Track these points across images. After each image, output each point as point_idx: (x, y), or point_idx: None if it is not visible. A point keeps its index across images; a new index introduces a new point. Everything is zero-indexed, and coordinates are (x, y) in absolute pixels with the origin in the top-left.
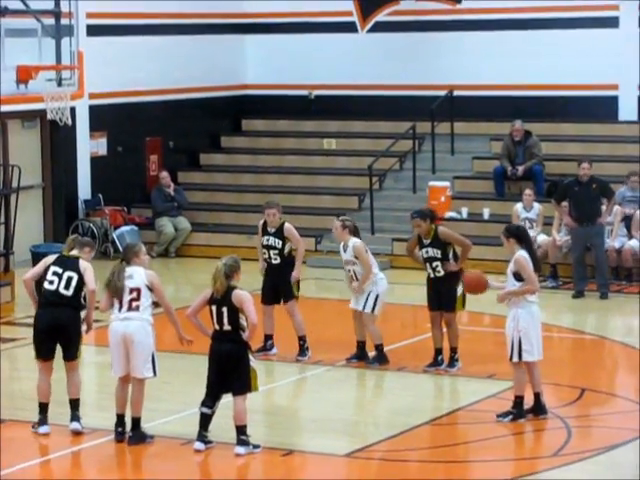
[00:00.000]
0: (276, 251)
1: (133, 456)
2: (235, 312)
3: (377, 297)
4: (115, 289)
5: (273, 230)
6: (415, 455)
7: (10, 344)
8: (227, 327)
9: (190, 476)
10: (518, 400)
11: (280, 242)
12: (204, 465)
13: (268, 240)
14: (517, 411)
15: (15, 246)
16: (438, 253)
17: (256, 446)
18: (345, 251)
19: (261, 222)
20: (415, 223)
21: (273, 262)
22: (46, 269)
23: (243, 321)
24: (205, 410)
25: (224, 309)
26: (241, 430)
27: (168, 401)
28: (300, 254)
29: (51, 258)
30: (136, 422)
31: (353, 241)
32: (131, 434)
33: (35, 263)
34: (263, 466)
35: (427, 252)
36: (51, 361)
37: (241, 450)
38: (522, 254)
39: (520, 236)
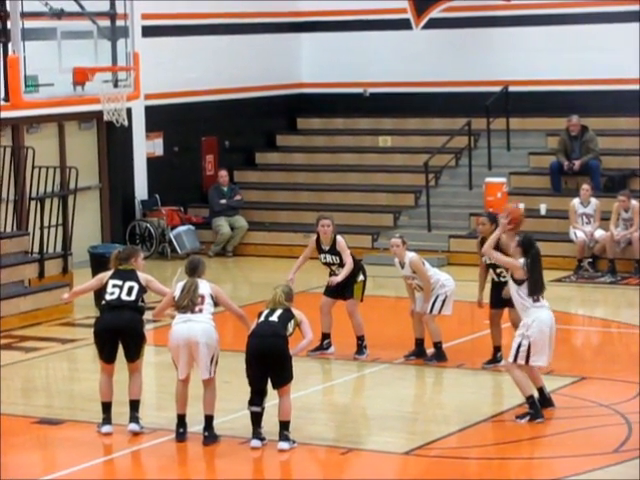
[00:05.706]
0: (336, 265)
1: (193, 456)
2: (289, 320)
3: (445, 299)
4: (192, 303)
5: (327, 247)
6: (475, 452)
7: (69, 345)
8: (274, 319)
9: (248, 475)
10: (530, 400)
11: (337, 258)
12: (261, 464)
13: (325, 258)
14: (534, 411)
15: (73, 247)
16: None
17: (294, 441)
18: (403, 267)
19: (313, 238)
20: (480, 221)
21: (337, 273)
22: (105, 285)
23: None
24: (255, 409)
25: (279, 312)
26: (285, 426)
27: (228, 400)
28: (346, 273)
29: (107, 274)
30: (209, 421)
31: (409, 256)
32: (207, 434)
33: (93, 264)
34: (322, 464)
35: (490, 258)
36: (113, 363)
37: (285, 445)
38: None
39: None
